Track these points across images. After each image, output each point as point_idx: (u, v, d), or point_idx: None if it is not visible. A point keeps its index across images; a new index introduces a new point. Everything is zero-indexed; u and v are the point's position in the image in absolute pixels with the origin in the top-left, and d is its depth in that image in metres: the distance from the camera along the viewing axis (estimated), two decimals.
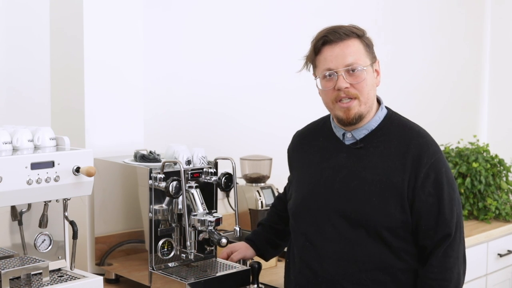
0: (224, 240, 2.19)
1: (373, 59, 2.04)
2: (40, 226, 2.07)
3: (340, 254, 2.01)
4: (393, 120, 2.07)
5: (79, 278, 2.07)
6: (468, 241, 2.84)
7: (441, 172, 1.98)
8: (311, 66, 2.10)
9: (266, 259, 2.40)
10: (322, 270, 2.04)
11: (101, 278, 2.09)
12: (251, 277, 2.31)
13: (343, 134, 2.08)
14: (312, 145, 2.16)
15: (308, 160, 2.14)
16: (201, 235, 2.27)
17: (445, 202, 1.97)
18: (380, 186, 1.98)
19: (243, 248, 2.35)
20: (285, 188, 2.36)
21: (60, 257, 2.15)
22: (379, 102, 2.10)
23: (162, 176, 2.22)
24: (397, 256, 2.00)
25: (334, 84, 2.00)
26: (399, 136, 2.03)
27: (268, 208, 2.96)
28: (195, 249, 2.28)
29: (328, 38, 1.99)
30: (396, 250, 1.99)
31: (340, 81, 1.98)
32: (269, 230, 2.36)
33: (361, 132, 2.05)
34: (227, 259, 2.35)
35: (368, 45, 2.03)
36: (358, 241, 2.00)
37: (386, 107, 2.12)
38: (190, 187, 2.25)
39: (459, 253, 1.99)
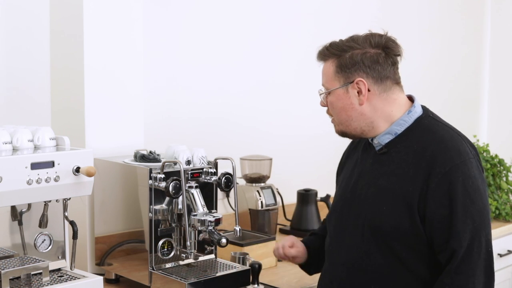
0: (224, 240, 2.19)
1: (349, 79, 1.96)
2: (40, 226, 2.08)
3: (352, 263, 1.99)
4: (421, 124, 1.98)
5: (79, 278, 2.07)
6: None
7: (457, 182, 1.85)
8: None
9: (311, 272, 2.31)
10: (335, 277, 2.04)
11: (101, 278, 2.09)
12: (251, 277, 2.31)
13: (372, 140, 2.03)
14: (355, 152, 2.15)
15: (347, 167, 2.15)
16: (201, 235, 2.27)
17: (458, 215, 1.84)
18: (391, 195, 1.92)
19: (301, 251, 2.26)
20: None
21: (60, 257, 2.15)
22: (412, 99, 2.04)
23: (162, 176, 2.21)
24: (407, 269, 1.92)
25: None
26: (419, 141, 1.94)
27: (268, 208, 2.97)
28: (195, 249, 2.27)
29: (317, 57, 2.05)
30: (407, 262, 1.92)
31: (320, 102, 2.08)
32: (321, 241, 2.24)
33: (385, 137, 1.99)
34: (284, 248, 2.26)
35: (342, 66, 1.96)
36: (368, 250, 1.96)
37: (424, 108, 2.03)
38: (190, 187, 2.25)
39: (475, 270, 1.85)
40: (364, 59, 1.95)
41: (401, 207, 1.90)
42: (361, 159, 2.07)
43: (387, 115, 1.98)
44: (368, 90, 1.96)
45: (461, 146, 1.92)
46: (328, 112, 2.06)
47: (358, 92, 1.96)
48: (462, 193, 1.85)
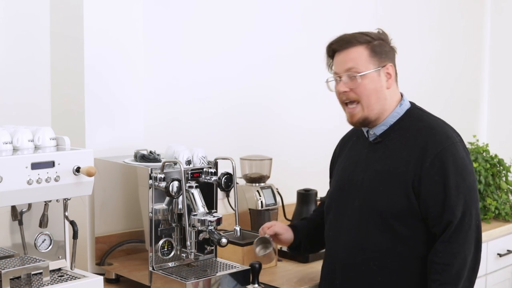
0: (224, 240, 2.19)
1: (382, 63, 2.15)
2: (40, 226, 2.08)
3: (351, 243, 2.17)
4: (411, 115, 2.19)
5: (79, 278, 2.07)
6: None
7: (448, 161, 2.07)
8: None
9: (301, 251, 2.47)
10: (337, 259, 2.21)
11: (101, 278, 2.09)
12: (251, 277, 2.31)
13: (367, 132, 2.23)
14: (349, 144, 2.33)
15: (343, 158, 2.32)
16: (201, 235, 2.27)
17: (451, 190, 2.05)
18: (386, 176, 2.12)
19: (284, 227, 2.40)
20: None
21: (60, 257, 2.15)
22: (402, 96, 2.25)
23: (162, 176, 2.22)
24: (405, 244, 2.10)
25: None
26: (412, 129, 2.15)
27: (268, 208, 2.97)
28: (195, 249, 2.28)
29: (334, 46, 2.19)
30: (404, 238, 2.10)
31: (339, 85, 2.17)
32: (311, 224, 2.45)
33: (380, 128, 2.19)
34: (266, 228, 2.38)
35: (376, 51, 2.15)
36: (366, 229, 2.14)
37: (411, 103, 2.25)
38: (190, 187, 2.25)
39: (466, 239, 2.06)
40: (390, 49, 2.20)
41: (396, 186, 2.10)
42: (355, 151, 2.27)
43: (391, 104, 2.18)
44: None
45: (448, 132, 2.15)
46: (349, 96, 2.15)
47: (387, 77, 2.16)
48: (453, 171, 2.07)
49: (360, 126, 2.21)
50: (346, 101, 2.17)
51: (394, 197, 2.10)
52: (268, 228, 2.37)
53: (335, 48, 2.19)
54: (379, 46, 2.17)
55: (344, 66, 2.15)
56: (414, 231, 2.10)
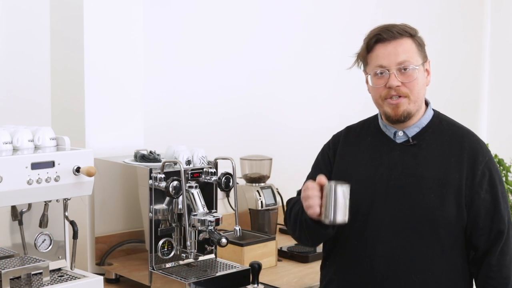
0: (224, 240, 2.19)
1: (425, 58, 2.05)
2: (40, 226, 2.08)
3: (391, 254, 1.99)
4: (441, 119, 2.10)
5: (79, 278, 2.07)
6: None
7: (495, 170, 2.02)
8: (362, 63, 2.10)
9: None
10: (371, 270, 2.01)
11: (101, 278, 2.09)
12: (251, 277, 2.31)
13: (395, 133, 2.07)
14: (360, 144, 2.13)
15: (357, 159, 2.10)
16: (201, 235, 2.27)
17: (500, 200, 2.00)
18: (437, 183, 1.98)
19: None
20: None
21: (60, 257, 2.15)
22: (426, 103, 2.11)
23: (162, 176, 2.22)
24: (445, 256, 1.99)
25: (385, 82, 2.00)
26: (451, 133, 2.05)
27: (268, 208, 2.97)
28: (195, 249, 2.28)
29: (382, 36, 2.01)
30: (447, 249, 1.99)
31: (392, 79, 1.98)
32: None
33: (412, 130, 2.05)
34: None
35: (420, 45, 2.05)
36: (411, 239, 1.98)
37: (432, 108, 2.13)
38: (190, 187, 2.25)
39: (509, 249, 2.01)
40: (424, 45, 2.07)
41: (449, 194, 1.97)
42: (379, 152, 2.07)
43: (424, 104, 2.08)
44: None
45: (482, 140, 2.10)
46: (401, 90, 1.99)
47: (426, 73, 2.05)
48: (499, 180, 2.02)
49: (400, 120, 2.02)
50: (390, 97, 2.00)
51: (447, 205, 1.97)
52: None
53: (382, 38, 2.00)
54: (421, 39, 2.06)
55: (396, 59, 1.98)
56: (457, 240, 2.00)
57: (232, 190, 2.36)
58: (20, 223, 2.07)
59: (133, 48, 2.59)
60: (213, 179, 2.33)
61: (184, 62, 3.08)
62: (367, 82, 2.08)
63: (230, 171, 2.33)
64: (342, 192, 1.88)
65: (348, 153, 2.14)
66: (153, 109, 2.91)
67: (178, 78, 3.07)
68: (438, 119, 2.09)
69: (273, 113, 3.45)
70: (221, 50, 3.21)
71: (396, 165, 2.03)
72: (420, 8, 4.21)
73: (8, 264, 2.02)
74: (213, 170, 2.34)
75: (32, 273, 2.03)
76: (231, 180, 2.33)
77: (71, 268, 2.12)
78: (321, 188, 1.93)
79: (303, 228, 2.05)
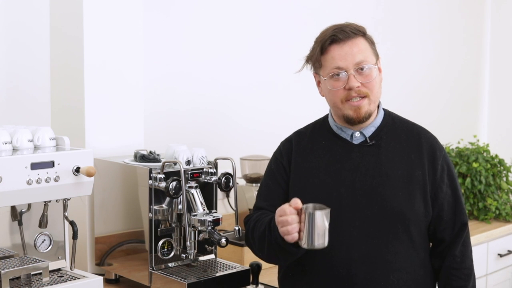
0: (224, 240, 2.19)
1: (377, 56, 2.01)
2: (40, 226, 2.08)
3: (368, 257, 1.94)
4: (393, 117, 2.09)
5: (79, 278, 2.07)
6: None
7: (451, 164, 2.07)
8: (313, 65, 2.04)
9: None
10: (349, 275, 1.94)
11: (101, 278, 2.09)
12: (251, 277, 2.31)
13: (351, 134, 2.02)
14: (315, 149, 2.06)
15: (315, 165, 2.03)
16: (201, 235, 2.27)
17: (459, 192, 2.05)
18: (403, 180, 1.97)
19: None
20: (261, 196, 2.12)
21: (60, 257, 2.15)
22: None
23: (162, 176, 2.22)
24: (416, 252, 2.00)
25: (344, 84, 1.94)
26: (406, 131, 2.05)
27: None
28: (195, 249, 2.27)
29: (337, 37, 1.95)
30: (417, 246, 1.99)
31: (352, 80, 1.93)
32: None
33: (369, 130, 2.02)
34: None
35: (372, 43, 2.01)
36: (386, 240, 1.95)
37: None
38: (190, 187, 2.25)
39: (470, 240, 2.07)
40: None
41: (415, 191, 1.98)
42: (338, 155, 2.01)
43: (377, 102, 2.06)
44: None
45: None
46: (361, 91, 1.94)
47: (379, 69, 2.02)
48: (455, 174, 2.07)
49: (362, 122, 1.98)
50: (351, 98, 1.95)
51: (415, 202, 1.96)
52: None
53: (337, 39, 1.94)
54: (371, 37, 2.01)
55: (353, 59, 1.93)
56: (424, 238, 2.01)
57: (232, 190, 2.36)
58: (20, 223, 2.07)
59: (133, 47, 2.59)
60: (213, 179, 2.33)
61: (184, 61, 3.08)
62: (318, 85, 2.04)
63: (230, 171, 2.33)
64: (321, 218, 1.79)
65: (305, 160, 2.05)
66: (154, 109, 2.91)
67: (178, 77, 3.07)
68: (391, 117, 2.07)
69: (274, 113, 3.44)
70: (221, 50, 3.21)
71: (359, 167, 1.99)
72: (420, 8, 4.21)
73: (8, 264, 2.02)
74: (213, 170, 2.34)
75: (32, 273, 2.03)
76: (231, 180, 2.33)
77: (70, 269, 2.12)
78: (298, 212, 1.81)
79: (272, 249, 1.94)
